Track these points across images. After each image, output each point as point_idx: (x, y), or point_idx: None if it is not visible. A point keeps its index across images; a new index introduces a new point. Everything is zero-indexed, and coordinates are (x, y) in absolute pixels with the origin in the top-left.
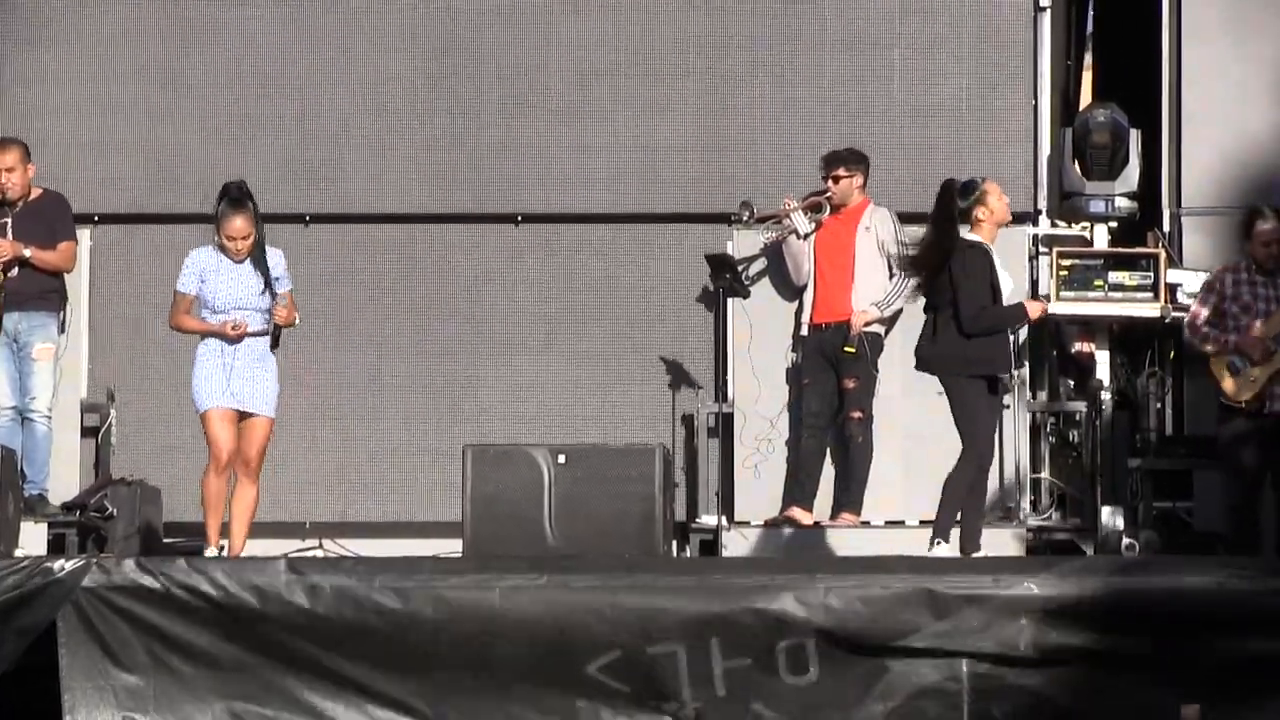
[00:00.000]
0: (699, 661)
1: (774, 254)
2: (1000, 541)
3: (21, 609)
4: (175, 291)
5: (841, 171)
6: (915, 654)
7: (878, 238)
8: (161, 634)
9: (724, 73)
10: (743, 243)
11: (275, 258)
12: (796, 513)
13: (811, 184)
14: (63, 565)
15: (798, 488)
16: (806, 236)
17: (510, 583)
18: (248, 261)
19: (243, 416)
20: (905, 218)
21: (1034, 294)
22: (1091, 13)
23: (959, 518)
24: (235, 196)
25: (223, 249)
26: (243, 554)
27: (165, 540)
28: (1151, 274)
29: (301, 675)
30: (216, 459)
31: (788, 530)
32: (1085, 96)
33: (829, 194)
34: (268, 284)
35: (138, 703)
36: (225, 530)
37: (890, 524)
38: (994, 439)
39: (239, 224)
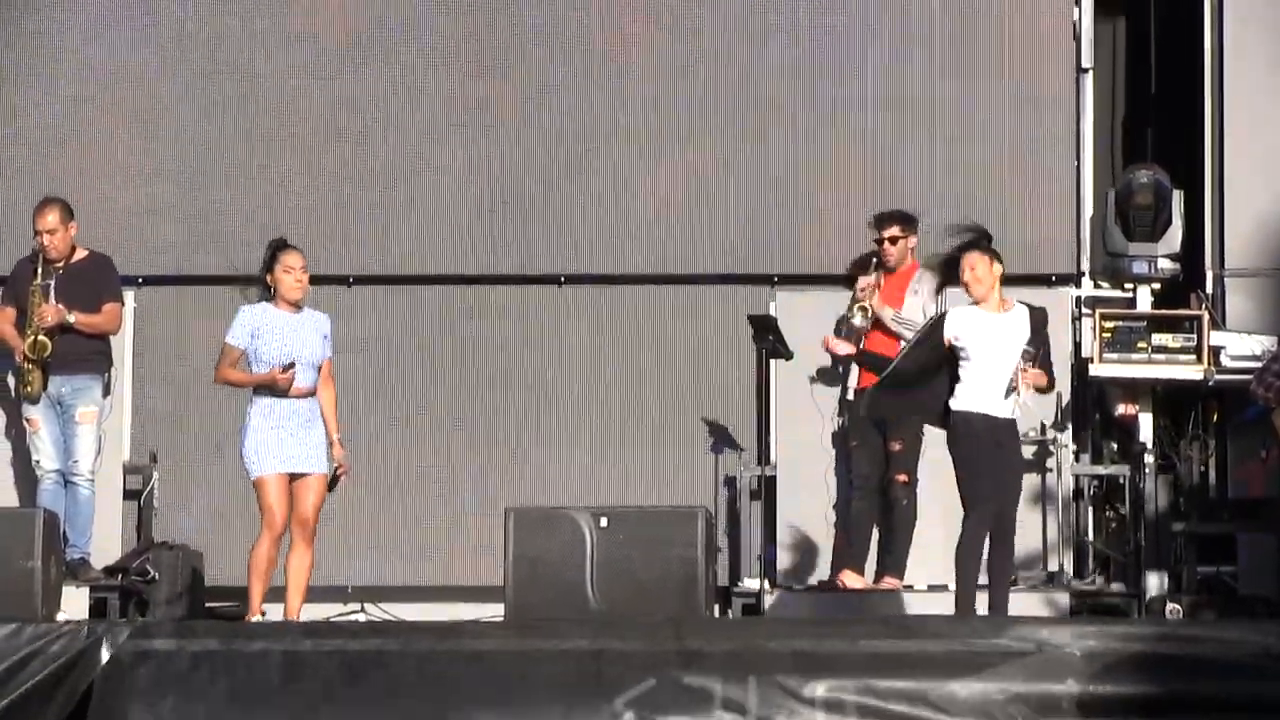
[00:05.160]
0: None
1: (818, 316)
2: (1043, 605)
3: (63, 674)
4: (224, 344)
5: (896, 232)
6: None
7: (924, 302)
8: (204, 697)
9: (767, 134)
10: (786, 304)
11: (325, 321)
12: (849, 575)
13: (856, 243)
14: (104, 629)
15: (849, 550)
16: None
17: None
18: (299, 318)
19: (295, 477)
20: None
21: (1076, 355)
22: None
23: (991, 591)
24: (281, 242)
25: (278, 291)
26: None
27: (208, 605)
28: (1195, 336)
29: None
30: (271, 526)
31: (830, 594)
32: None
33: (883, 258)
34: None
35: None
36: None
37: (934, 588)
38: (980, 494)
39: (294, 257)
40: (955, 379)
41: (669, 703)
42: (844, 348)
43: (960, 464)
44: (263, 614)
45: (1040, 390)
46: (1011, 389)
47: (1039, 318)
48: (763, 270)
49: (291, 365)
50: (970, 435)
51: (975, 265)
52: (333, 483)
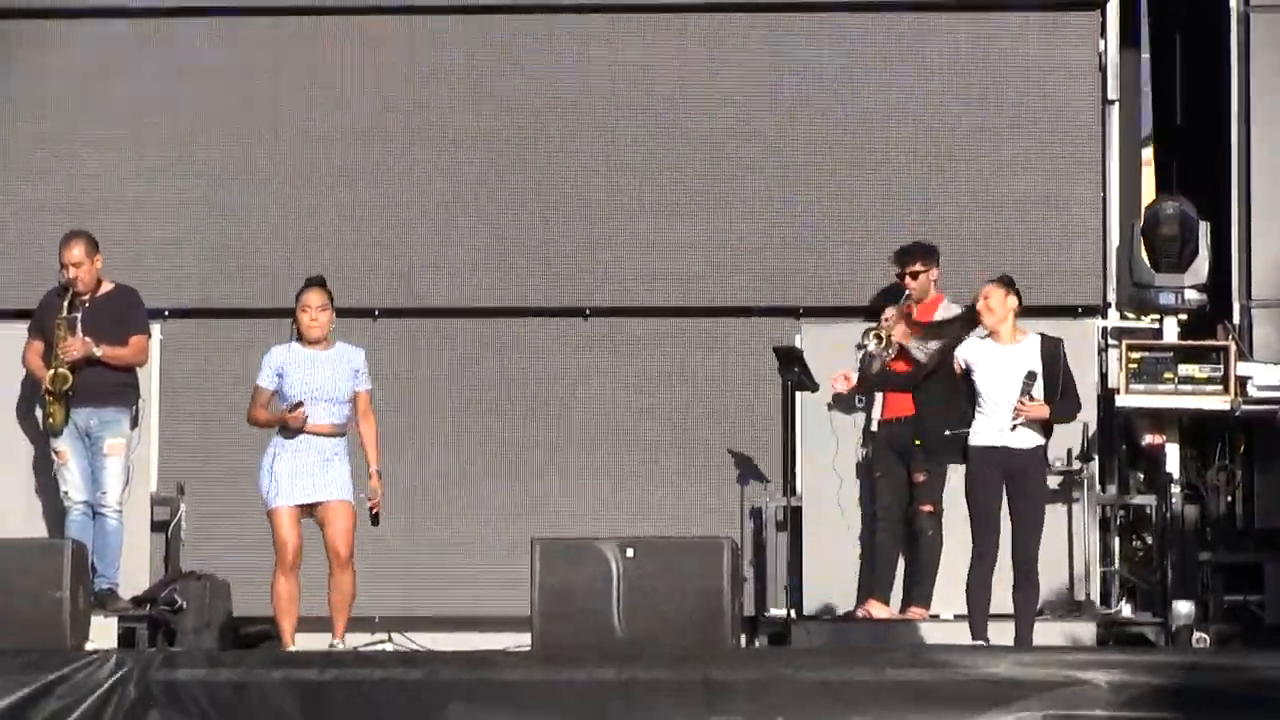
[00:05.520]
0: None
1: (844, 348)
2: (1070, 635)
3: (92, 704)
4: (255, 386)
5: (918, 266)
6: None
7: None
8: None
9: (791, 166)
10: (811, 336)
11: (358, 355)
12: (874, 605)
13: (881, 275)
14: (133, 659)
15: (875, 581)
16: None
17: None
18: (325, 355)
19: (317, 509)
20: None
21: (1103, 386)
22: (1153, 107)
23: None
24: (314, 279)
25: (299, 330)
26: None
27: (240, 632)
28: (1222, 367)
29: None
30: (282, 560)
31: (856, 624)
32: (1147, 191)
33: (908, 293)
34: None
35: None
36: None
37: (959, 617)
38: (981, 522)
39: (312, 295)
40: (971, 412)
41: None
42: (841, 383)
43: (968, 498)
44: (292, 644)
45: (1058, 421)
46: (1014, 421)
47: (1051, 347)
48: (789, 303)
49: (299, 405)
50: (978, 469)
51: (989, 295)
52: (374, 518)
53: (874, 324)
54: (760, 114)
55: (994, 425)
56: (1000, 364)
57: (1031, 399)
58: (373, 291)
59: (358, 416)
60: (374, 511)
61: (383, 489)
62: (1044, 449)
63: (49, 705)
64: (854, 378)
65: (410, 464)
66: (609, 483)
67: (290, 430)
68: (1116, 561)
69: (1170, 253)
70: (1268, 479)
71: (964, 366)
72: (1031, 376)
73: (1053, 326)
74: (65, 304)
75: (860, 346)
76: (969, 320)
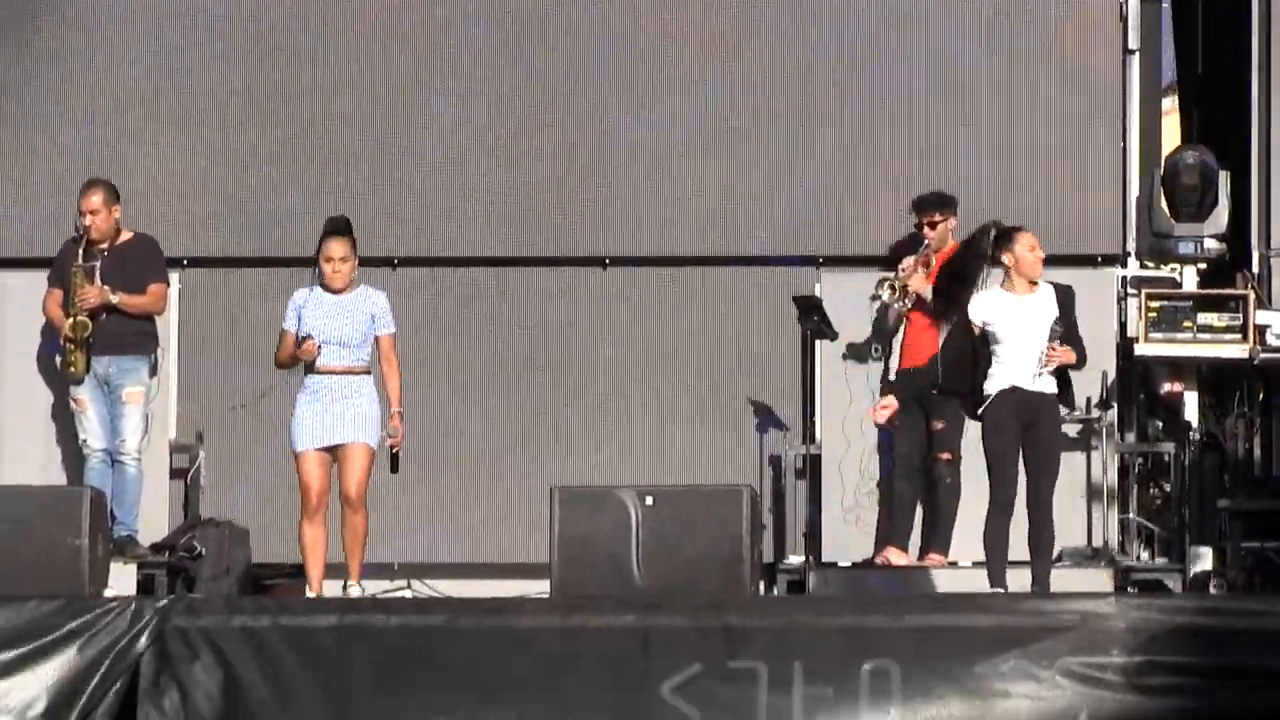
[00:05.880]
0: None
1: (863, 297)
2: (1088, 581)
3: (111, 651)
4: (281, 329)
5: (936, 216)
6: (1001, 688)
7: None
8: (249, 673)
9: (813, 116)
10: (831, 285)
11: (379, 299)
12: (893, 553)
13: (901, 224)
14: (152, 605)
15: (893, 528)
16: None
17: None
18: (342, 299)
19: (337, 451)
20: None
21: (1122, 335)
22: (1174, 57)
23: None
24: (338, 225)
25: (321, 277)
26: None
27: (255, 579)
28: (1240, 315)
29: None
30: (306, 504)
31: (873, 571)
32: (1167, 140)
33: (927, 243)
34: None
35: None
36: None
37: (978, 564)
38: (999, 468)
39: (334, 246)
40: (987, 363)
41: (715, 688)
42: (882, 414)
43: (985, 444)
44: (320, 591)
45: (1071, 368)
46: (1041, 368)
47: (1064, 295)
48: (808, 251)
49: (308, 338)
50: (997, 415)
51: (1036, 246)
52: (394, 462)
53: (889, 274)
54: (781, 63)
55: (1014, 374)
56: (1022, 314)
57: (1061, 345)
58: (392, 240)
59: (380, 360)
60: (395, 452)
61: (404, 431)
62: (1057, 397)
63: (68, 652)
64: (894, 406)
65: (429, 412)
66: (628, 431)
67: (311, 371)
68: (1135, 509)
69: (1190, 202)
70: None
71: (981, 326)
72: (1059, 323)
73: (1072, 276)
74: (80, 251)
75: (874, 297)
76: (977, 253)
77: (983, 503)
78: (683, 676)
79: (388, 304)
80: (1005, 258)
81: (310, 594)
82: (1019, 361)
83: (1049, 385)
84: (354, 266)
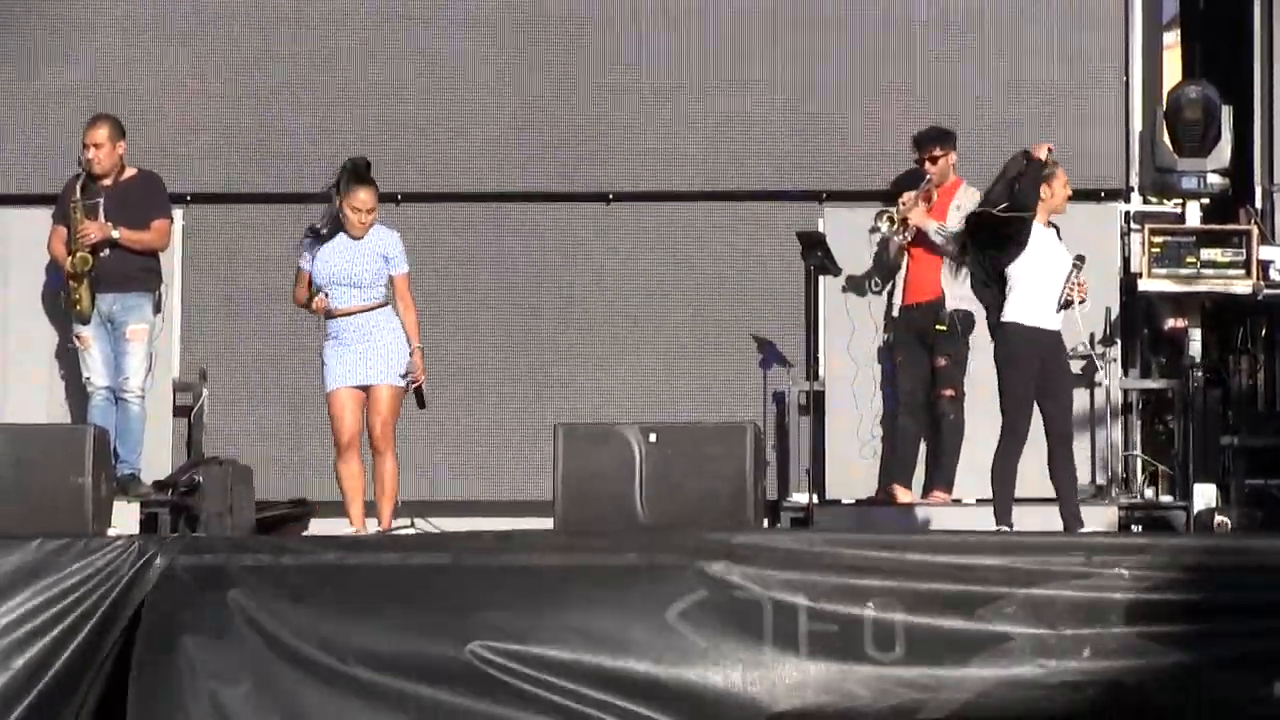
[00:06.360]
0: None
1: (866, 232)
2: (1092, 518)
3: (114, 589)
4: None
5: (937, 151)
6: (1003, 629)
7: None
8: (254, 611)
9: (816, 50)
10: (834, 220)
11: (391, 238)
12: (896, 490)
13: (904, 159)
14: (155, 544)
15: (896, 465)
16: (893, 239)
17: None
18: (355, 241)
19: (368, 391)
20: None
21: (1125, 270)
22: None
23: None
24: (362, 170)
25: (344, 221)
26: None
27: (259, 517)
28: (1244, 251)
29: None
30: (337, 443)
31: (878, 508)
32: (1170, 75)
33: (929, 177)
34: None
35: (229, 674)
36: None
37: (982, 501)
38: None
39: (363, 196)
40: (1003, 293)
41: (720, 613)
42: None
43: (1004, 378)
44: (362, 528)
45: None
46: (1067, 301)
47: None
48: (812, 186)
49: (317, 291)
50: (1019, 349)
51: (1067, 181)
52: (419, 397)
53: (888, 208)
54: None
55: (1034, 307)
56: (1043, 246)
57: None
58: (395, 177)
59: (396, 299)
60: (417, 387)
61: (424, 366)
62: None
63: (71, 591)
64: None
65: (432, 349)
66: (631, 367)
67: (330, 316)
68: (1139, 445)
69: (1193, 137)
70: None
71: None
72: (1080, 258)
73: (1075, 210)
74: (79, 186)
75: (873, 229)
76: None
77: (985, 441)
78: (688, 602)
79: (401, 243)
80: (1044, 190)
81: (351, 530)
82: (1037, 295)
83: (1059, 322)
84: (376, 216)
